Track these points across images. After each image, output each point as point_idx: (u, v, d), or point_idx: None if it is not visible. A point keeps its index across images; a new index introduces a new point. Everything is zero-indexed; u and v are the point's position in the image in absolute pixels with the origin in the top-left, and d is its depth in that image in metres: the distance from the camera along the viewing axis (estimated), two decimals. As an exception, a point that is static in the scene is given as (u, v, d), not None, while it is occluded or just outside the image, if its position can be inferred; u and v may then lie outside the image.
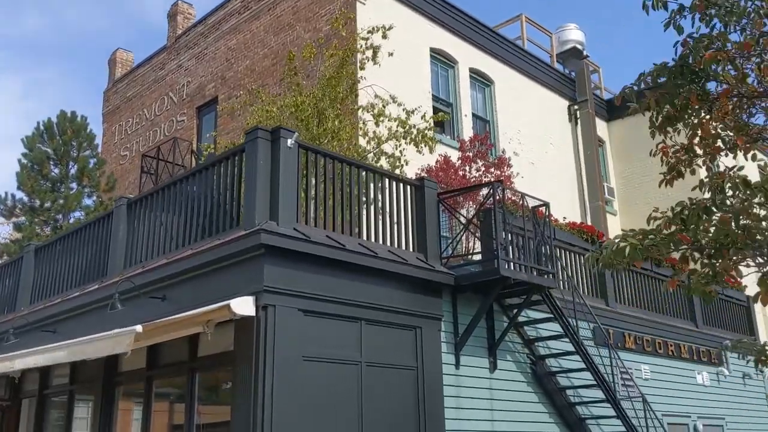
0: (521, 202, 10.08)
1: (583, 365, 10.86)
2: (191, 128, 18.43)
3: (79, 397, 10.82)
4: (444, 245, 10.10)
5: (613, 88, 24.07)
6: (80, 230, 11.56)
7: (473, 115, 16.74)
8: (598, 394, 11.18)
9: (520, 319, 10.64)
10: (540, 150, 18.25)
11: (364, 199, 9.20)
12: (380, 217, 9.37)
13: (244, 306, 7.52)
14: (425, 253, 9.60)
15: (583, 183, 19.55)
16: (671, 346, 13.93)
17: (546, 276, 10.02)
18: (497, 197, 9.58)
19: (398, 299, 8.99)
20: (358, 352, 8.43)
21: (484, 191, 11.41)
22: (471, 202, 11.35)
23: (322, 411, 7.86)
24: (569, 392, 11.13)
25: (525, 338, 10.77)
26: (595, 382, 10.81)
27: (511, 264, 9.59)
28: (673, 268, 15.18)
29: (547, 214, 10.41)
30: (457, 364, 9.58)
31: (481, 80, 17.42)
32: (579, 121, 20.03)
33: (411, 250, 9.58)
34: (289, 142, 8.31)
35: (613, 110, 21.41)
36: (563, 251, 12.09)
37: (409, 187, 9.85)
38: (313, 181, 8.69)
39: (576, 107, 20.08)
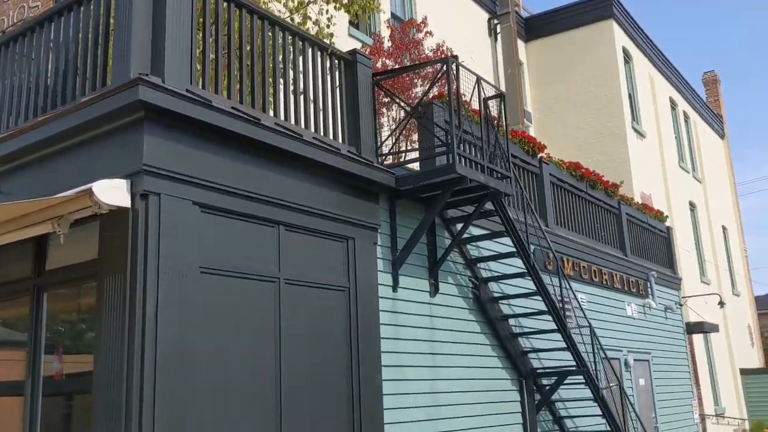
0: (474, 88, 8.15)
1: (526, 291, 9.32)
2: (48, 15, 15.07)
3: None
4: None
5: (531, 8, 22.50)
6: None
7: (392, 14, 14.57)
8: (539, 324, 9.70)
9: (464, 235, 8.83)
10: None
11: (282, 70, 6.92)
12: (301, 97, 7.14)
13: (113, 192, 5.16)
14: (358, 147, 7.50)
15: (502, 104, 17.90)
16: (605, 274, 12.72)
17: (504, 181, 8.22)
18: (452, 76, 7.57)
19: (327, 200, 6.88)
20: (276, 266, 6.29)
21: (420, 90, 9.48)
22: (400, 102, 9.28)
23: (227, 341, 5.71)
24: (511, 321, 9.56)
25: (468, 258, 9.00)
26: (538, 311, 9.31)
27: (466, 162, 7.68)
28: (607, 192, 14.01)
29: (502, 107, 8.57)
30: (395, 286, 7.65)
31: (400, -24, 15.23)
32: (499, 36, 18.33)
33: (340, 141, 7.46)
34: (181, -31, 5.86)
35: (532, 30, 19.90)
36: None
37: (338, 61, 7.65)
38: (213, 37, 6.32)
39: (496, 21, 18.34)
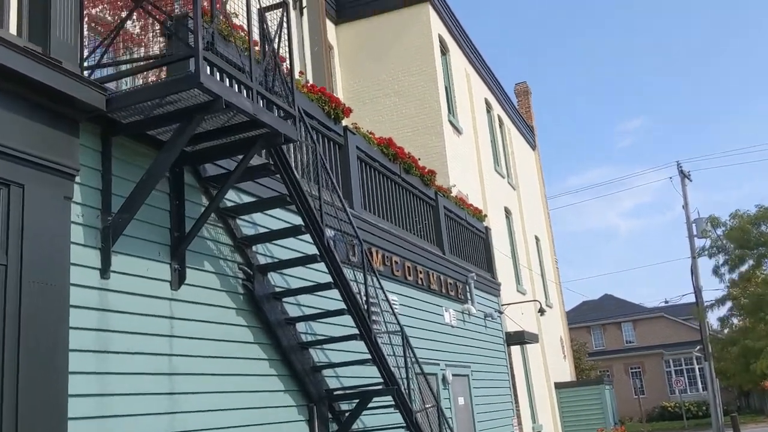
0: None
1: (317, 283, 6.98)
2: None
3: None
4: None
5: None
6: None
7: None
8: (337, 330, 7.39)
9: (228, 203, 6.27)
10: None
11: None
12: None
13: None
14: (46, 46, 4.68)
15: (284, 17, 15.49)
16: (421, 273, 10.71)
17: (288, 121, 5.76)
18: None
19: (-36, 113, 4.01)
20: None
21: None
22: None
23: None
24: (300, 328, 7.11)
25: (238, 237, 6.42)
26: (336, 312, 6.97)
27: (231, 84, 5.13)
28: (423, 179, 12.11)
29: (284, 18, 6.18)
30: (105, 269, 4.87)
31: None
32: (305, 11, 16.05)
33: (15, 34, 4.61)
34: None
35: (343, 10, 17.89)
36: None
37: None
38: None
39: (303, -8, 16.06)
